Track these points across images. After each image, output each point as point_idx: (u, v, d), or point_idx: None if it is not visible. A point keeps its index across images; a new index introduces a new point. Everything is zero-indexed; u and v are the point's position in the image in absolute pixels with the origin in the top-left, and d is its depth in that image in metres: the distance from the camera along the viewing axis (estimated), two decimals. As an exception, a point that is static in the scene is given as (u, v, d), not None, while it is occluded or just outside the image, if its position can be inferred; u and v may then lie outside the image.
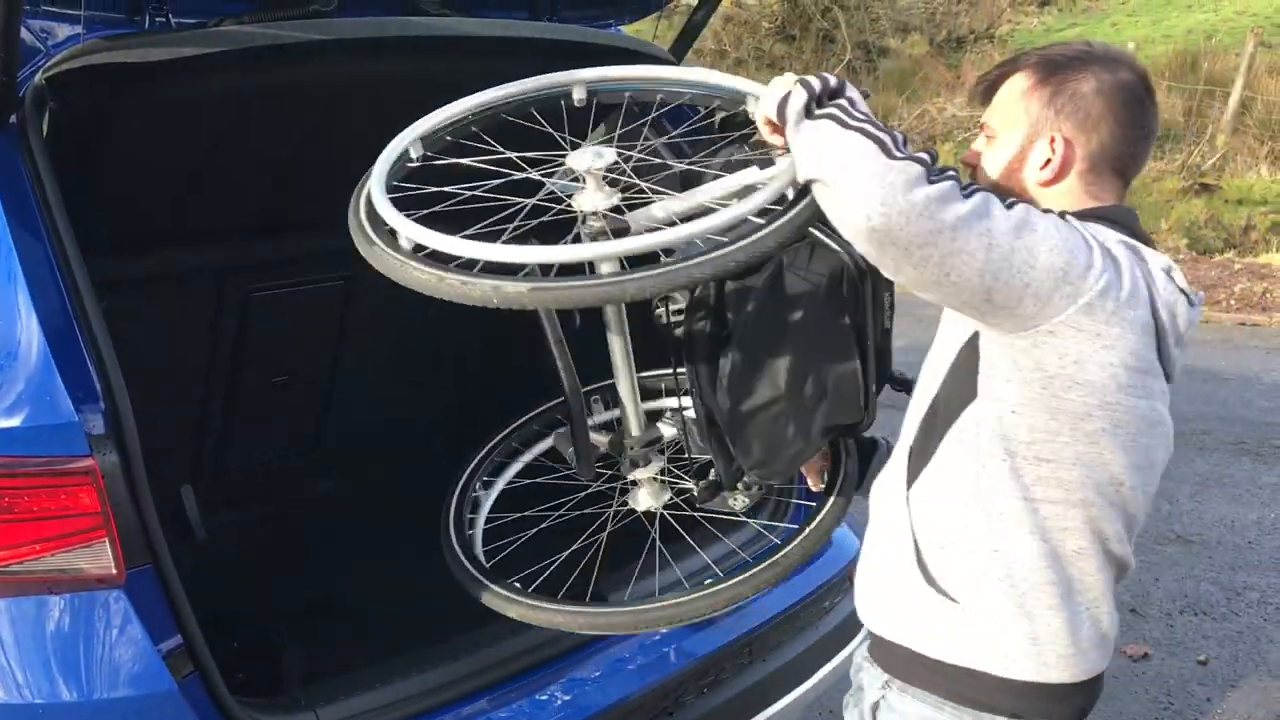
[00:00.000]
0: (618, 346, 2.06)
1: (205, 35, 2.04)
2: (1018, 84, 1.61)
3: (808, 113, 1.48)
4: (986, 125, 1.66)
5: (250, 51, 2.03)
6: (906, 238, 1.36)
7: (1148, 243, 1.56)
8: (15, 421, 1.69)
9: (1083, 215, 1.54)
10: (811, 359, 1.92)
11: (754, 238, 1.55)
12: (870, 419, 1.98)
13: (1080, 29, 15.00)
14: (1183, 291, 1.54)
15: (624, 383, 2.11)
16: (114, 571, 1.74)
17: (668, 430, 2.21)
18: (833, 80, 1.52)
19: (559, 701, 2.16)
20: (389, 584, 2.38)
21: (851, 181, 1.38)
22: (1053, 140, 1.57)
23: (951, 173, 1.43)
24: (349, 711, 2.03)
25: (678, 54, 2.89)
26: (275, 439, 3.17)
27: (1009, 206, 1.43)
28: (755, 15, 15.58)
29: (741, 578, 1.99)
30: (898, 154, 1.40)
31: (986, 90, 1.68)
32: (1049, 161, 1.57)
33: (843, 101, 1.48)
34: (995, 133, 1.63)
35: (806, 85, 1.50)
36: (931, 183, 1.37)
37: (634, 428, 2.16)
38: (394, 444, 3.28)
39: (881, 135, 1.42)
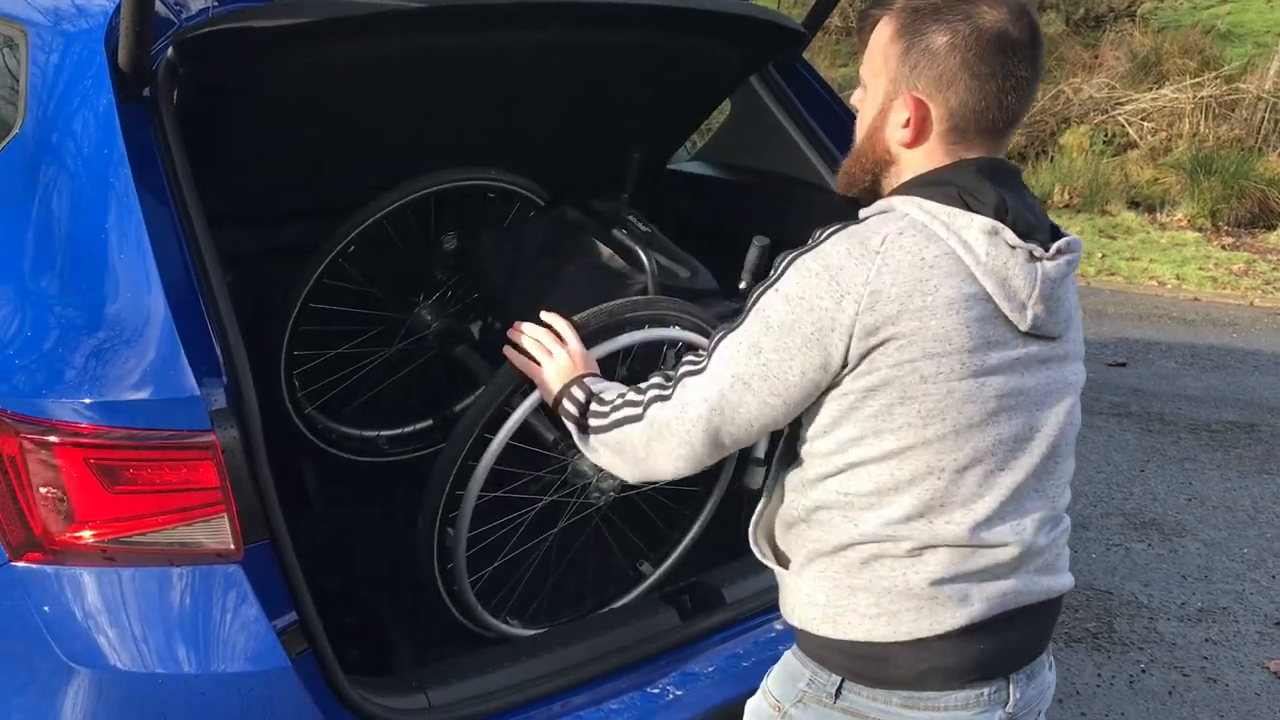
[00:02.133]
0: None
1: (335, 3, 2.02)
2: (881, 33, 1.52)
3: (582, 430, 1.72)
4: (860, 75, 1.58)
5: (379, 17, 2.01)
6: (702, 451, 1.58)
7: (980, 202, 1.45)
8: (140, 394, 1.69)
9: (903, 188, 1.50)
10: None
11: None
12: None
13: (1230, 7, 14.27)
14: (1014, 247, 1.44)
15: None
16: (232, 547, 1.74)
17: None
18: (580, 394, 1.76)
19: (671, 696, 2.11)
20: (505, 567, 2.36)
21: (622, 461, 1.66)
22: (909, 100, 1.48)
23: (674, 378, 1.60)
24: (460, 695, 2.01)
25: (811, 27, 2.79)
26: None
27: (773, 283, 1.49)
28: (884, -8, 15.19)
29: None
30: (640, 414, 1.61)
31: (862, 35, 1.58)
32: (908, 122, 1.49)
33: (594, 407, 1.72)
34: (865, 84, 1.56)
35: (574, 402, 1.76)
36: (663, 409, 1.57)
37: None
38: None
39: (629, 411, 1.63)
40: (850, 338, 1.43)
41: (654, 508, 2.58)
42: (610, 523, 2.53)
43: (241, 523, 1.74)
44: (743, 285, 2.58)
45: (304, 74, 2.11)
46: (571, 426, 1.76)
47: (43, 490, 1.71)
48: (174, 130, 1.94)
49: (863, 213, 1.54)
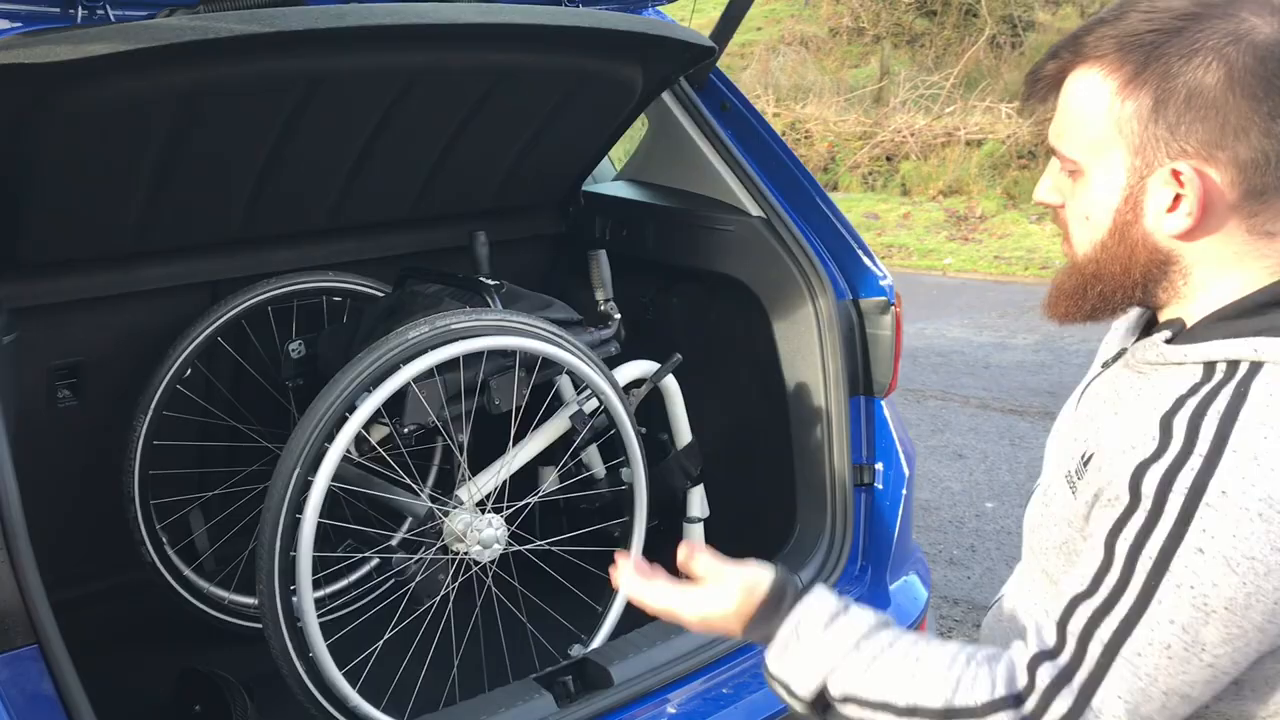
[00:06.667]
0: None
1: (125, 30, 1.77)
2: (1095, 86, 1.06)
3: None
4: (1059, 153, 1.12)
5: (176, 48, 1.76)
6: None
7: None
8: None
9: (1255, 327, 1.04)
10: None
11: None
12: None
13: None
14: None
15: None
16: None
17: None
18: (817, 677, 1.16)
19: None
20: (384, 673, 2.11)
21: None
22: (1177, 173, 1.04)
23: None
24: None
25: (720, 40, 2.53)
26: None
27: (1184, 535, 0.99)
28: (893, -11, 14.89)
29: None
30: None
31: (1043, 90, 1.13)
32: (1177, 201, 1.05)
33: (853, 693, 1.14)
34: (1080, 166, 1.10)
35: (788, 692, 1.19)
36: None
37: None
38: None
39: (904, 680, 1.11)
40: None
41: (563, 570, 2.36)
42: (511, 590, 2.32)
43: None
44: (600, 299, 2.41)
45: (104, 108, 1.88)
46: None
47: None
48: None
49: (1184, 353, 1.07)
